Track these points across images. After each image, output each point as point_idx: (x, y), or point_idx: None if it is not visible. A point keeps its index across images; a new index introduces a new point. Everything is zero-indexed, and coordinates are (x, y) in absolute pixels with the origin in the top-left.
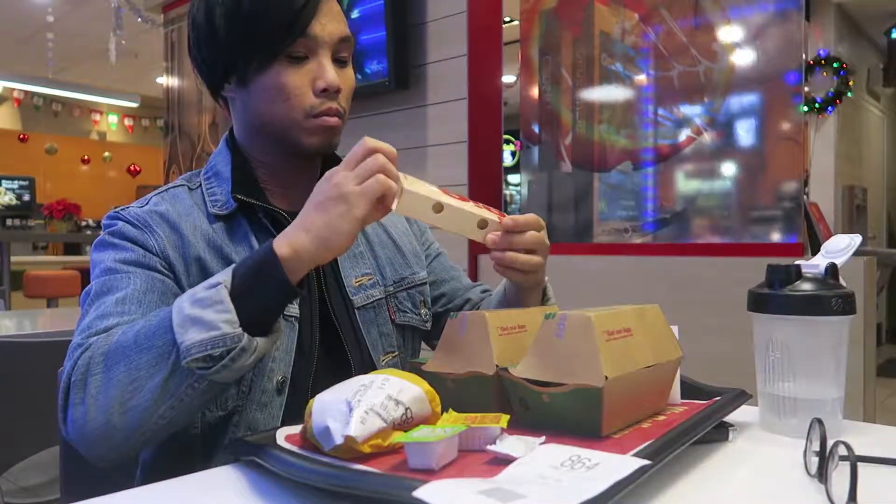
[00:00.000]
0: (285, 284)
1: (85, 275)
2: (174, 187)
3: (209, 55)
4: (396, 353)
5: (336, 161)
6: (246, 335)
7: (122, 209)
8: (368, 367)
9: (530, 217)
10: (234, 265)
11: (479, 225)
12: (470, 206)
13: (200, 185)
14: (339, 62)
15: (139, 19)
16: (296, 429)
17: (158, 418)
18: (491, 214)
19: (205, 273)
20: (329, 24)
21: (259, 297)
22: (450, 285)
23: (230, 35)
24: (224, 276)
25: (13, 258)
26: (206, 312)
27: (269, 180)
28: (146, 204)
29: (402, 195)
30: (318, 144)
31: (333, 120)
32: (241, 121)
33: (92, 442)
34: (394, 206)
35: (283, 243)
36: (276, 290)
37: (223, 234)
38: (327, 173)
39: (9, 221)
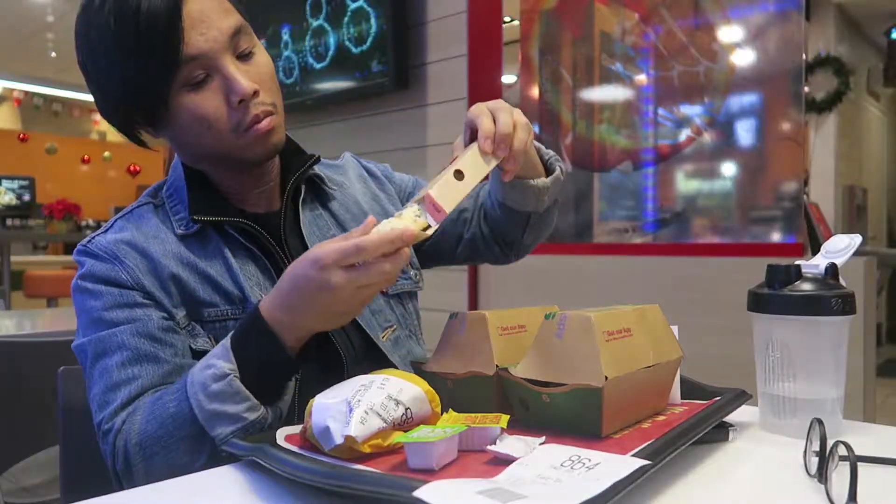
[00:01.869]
0: (294, 365)
1: None
2: (139, 206)
3: (114, 112)
4: (394, 326)
5: (292, 146)
6: (269, 410)
7: (88, 241)
8: (360, 352)
9: (475, 114)
10: (230, 344)
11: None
12: (469, 148)
13: (164, 202)
14: (242, 57)
15: None
16: (296, 429)
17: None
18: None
19: (183, 290)
20: (209, 30)
21: (272, 379)
22: None
23: (119, 90)
24: (229, 364)
25: (13, 258)
26: (227, 406)
27: (229, 188)
28: (110, 229)
29: (434, 195)
30: (261, 153)
31: (265, 123)
32: (180, 154)
33: None
34: (443, 207)
35: (289, 337)
36: (287, 371)
37: (194, 249)
38: (328, 274)
39: (9, 221)
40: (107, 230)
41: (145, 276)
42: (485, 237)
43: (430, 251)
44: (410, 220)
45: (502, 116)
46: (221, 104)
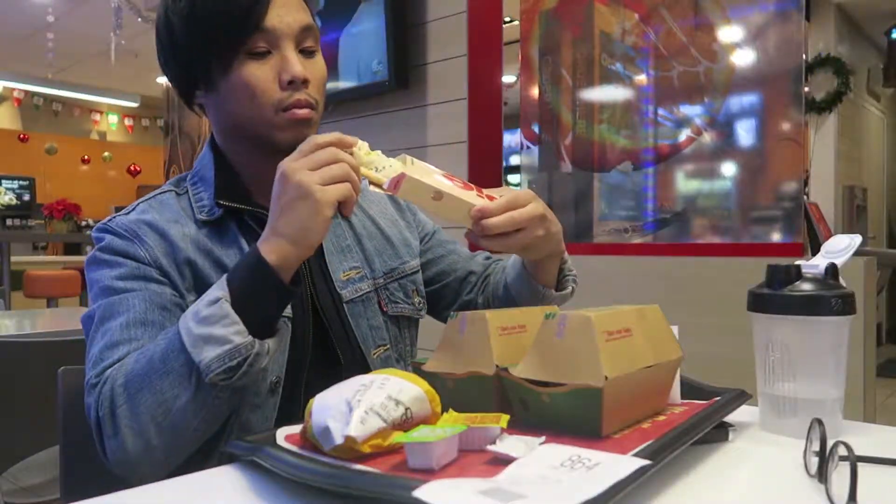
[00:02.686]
0: (282, 288)
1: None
2: (161, 193)
3: (174, 63)
4: (388, 345)
5: None
6: (257, 341)
7: (109, 220)
8: (359, 362)
9: (505, 201)
10: (225, 277)
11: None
12: (470, 196)
13: (188, 190)
14: (305, 53)
15: (139, 19)
16: (296, 429)
17: (193, 431)
18: (487, 202)
19: (197, 276)
20: (286, 15)
21: (260, 304)
22: (447, 261)
23: (188, 39)
24: (221, 291)
25: (13, 258)
26: (216, 329)
27: (253, 181)
28: (133, 211)
29: (405, 181)
30: (291, 139)
31: (304, 112)
32: (217, 125)
33: (135, 466)
34: (399, 192)
35: (268, 251)
36: (274, 295)
37: (212, 237)
38: (280, 168)
39: (9, 221)
40: (129, 212)
41: (163, 257)
42: (477, 308)
43: (433, 293)
44: (399, 165)
45: (512, 217)
46: (272, 80)
